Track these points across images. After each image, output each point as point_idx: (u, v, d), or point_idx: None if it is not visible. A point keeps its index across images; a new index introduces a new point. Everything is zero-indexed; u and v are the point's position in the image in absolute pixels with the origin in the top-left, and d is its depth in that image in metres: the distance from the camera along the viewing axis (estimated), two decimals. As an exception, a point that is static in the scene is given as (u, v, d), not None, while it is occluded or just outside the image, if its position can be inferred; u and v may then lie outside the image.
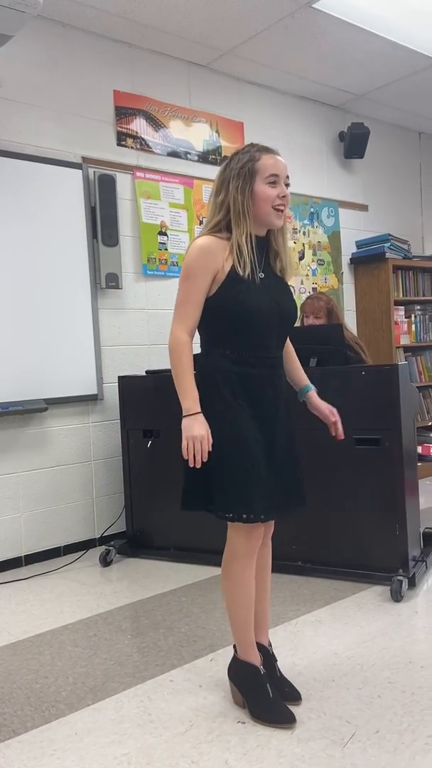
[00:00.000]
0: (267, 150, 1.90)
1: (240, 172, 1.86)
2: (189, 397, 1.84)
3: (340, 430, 2.09)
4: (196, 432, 1.81)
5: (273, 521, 2.04)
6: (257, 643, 1.99)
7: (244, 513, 1.83)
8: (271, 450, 1.91)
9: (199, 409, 1.84)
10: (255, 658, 1.96)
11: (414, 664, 2.17)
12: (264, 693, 1.90)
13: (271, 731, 1.83)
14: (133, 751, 1.78)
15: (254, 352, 1.90)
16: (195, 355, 1.91)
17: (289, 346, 2.11)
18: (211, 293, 1.88)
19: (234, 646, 2.00)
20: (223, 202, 1.89)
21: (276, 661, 2.04)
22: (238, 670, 1.98)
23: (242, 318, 1.86)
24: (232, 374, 1.88)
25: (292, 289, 2.05)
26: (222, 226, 1.90)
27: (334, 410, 2.10)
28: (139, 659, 2.33)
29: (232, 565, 1.92)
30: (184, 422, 1.83)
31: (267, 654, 2.02)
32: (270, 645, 2.06)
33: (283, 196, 1.88)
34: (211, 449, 1.84)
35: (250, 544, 1.90)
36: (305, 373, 2.17)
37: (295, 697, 1.97)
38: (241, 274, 1.85)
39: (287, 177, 1.91)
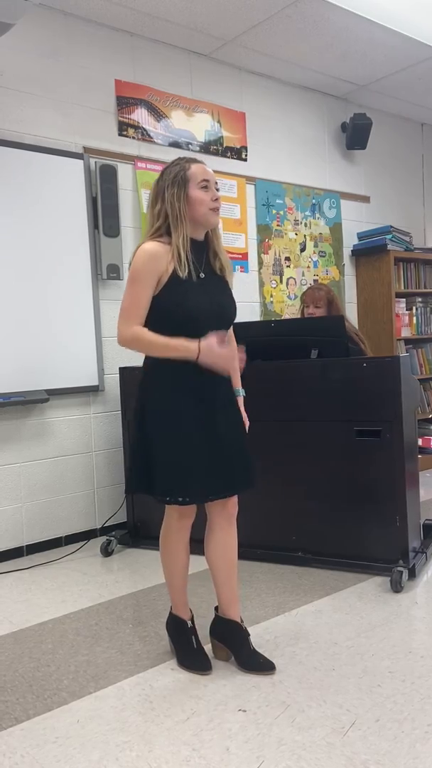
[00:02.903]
0: (195, 160, 2.10)
1: (174, 181, 2.04)
2: (181, 347, 1.97)
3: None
4: (216, 354, 1.96)
5: (236, 503, 2.18)
6: (229, 619, 2.18)
7: (180, 497, 2.04)
8: (213, 438, 2.05)
9: (197, 343, 1.96)
10: (184, 613, 2.22)
11: (414, 654, 2.19)
12: (189, 644, 2.18)
13: (272, 719, 1.85)
14: (135, 739, 1.80)
15: None
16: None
17: (232, 342, 2.26)
18: (155, 294, 2.02)
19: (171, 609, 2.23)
20: (161, 210, 2.05)
21: (249, 636, 2.18)
22: (170, 623, 2.26)
23: (183, 318, 2.01)
24: (175, 370, 2.02)
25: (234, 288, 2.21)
26: (163, 231, 2.05)
27: (247, 423, 2.24)
28: (140, 648, 2.35)
29: (167, 539, 2.19)
30: (201, 360, 1.97)
31: (239, 629, 2.18)
32: (242, 621, 2.20)
33: (216, 199, 2.07)
34: (152, 439, 2.03)
35: (181, 522, 2.14)
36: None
37: (270, 667, 2.11)
38: (181, 276, 1.99)
39: (216, 183, 2.10)
